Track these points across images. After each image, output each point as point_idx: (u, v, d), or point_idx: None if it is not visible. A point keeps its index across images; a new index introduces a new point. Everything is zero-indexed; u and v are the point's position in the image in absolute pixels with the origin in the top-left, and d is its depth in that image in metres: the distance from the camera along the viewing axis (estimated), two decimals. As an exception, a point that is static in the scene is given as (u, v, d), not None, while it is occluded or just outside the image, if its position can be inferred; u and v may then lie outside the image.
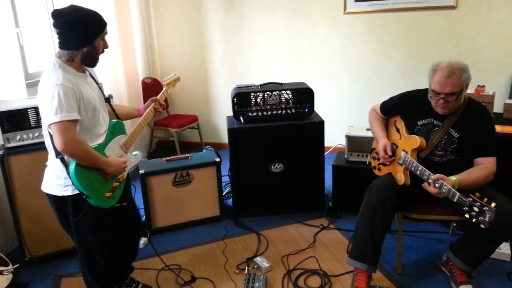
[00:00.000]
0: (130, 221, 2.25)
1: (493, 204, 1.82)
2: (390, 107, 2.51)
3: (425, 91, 2.29)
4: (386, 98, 2.55)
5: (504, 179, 2.35)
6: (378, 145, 2.44)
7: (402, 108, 2.42)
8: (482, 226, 1.83)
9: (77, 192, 1.83)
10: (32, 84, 3.10)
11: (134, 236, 2.37)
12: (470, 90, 2.99)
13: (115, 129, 2.02)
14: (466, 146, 2.19)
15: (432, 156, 2.26)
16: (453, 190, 1.94)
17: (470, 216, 1.87)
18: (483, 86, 2.99)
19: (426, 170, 2.10)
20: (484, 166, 2.14)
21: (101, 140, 1.93)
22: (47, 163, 1.93)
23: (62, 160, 1.79)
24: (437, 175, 2.02)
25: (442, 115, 2.22)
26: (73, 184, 1.79)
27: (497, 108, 3.12)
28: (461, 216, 2.29)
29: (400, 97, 2.46)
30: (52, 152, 1.84)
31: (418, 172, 2.14)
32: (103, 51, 1.89)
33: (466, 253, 2.26)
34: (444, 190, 1.98)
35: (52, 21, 1.78)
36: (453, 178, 2.03)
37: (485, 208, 1.82)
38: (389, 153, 2.35)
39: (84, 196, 1.81)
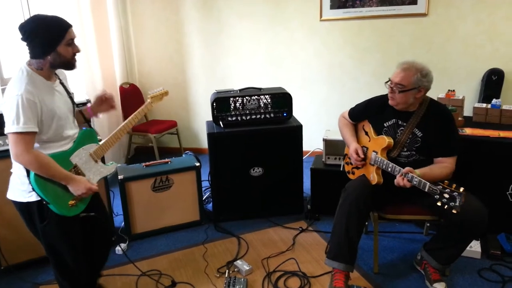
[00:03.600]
0: (100, 229, 2.20)
1: (461, 189, 1.92)
2: (357, 113, 2.62)
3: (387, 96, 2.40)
4: (353, 106, 2.66)
5: (473, 179, 2.46)
6: (349, 149, 2.52)
7: (369, 113, 2.53)
8: (454, 211, 1.93)
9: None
10: (7, 90, 3.04)
11: (105, 244, 2.33)
12: (441, 94, 3.11)
13: (85, 137, 2.01)
14: (429, 145, 2.30)
15: (399, 157, 2.36)
16: (423, 180, 2.04)
17: (442, 203, 1.97)
18: (453, 90, 3.11)
19: (397, 166, 2.21)
20: (444, 166, 2.26)
21: (67, 147, 1.91)
22: (12, 170, 1.91)
23: None
24: (407, 168, 2.14)
25: (406, 116, 2.34)
26: (33, 190, 1.79)
27: (467, 111, 3.25)
28: (433, 216, 2.40)
29: (366, 103, 2.58)
30: None
31: (390, 169, 2.24)
32: (74, 55, 1.85)
33: (439, 252, 2.35)
34: (415, 182, 2.09)
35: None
36: (417, 172, 2.15)
37: (455, 193, 1.93)
38: (361, 156, 2.43)
39: (44, 202, 1.81)
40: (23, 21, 1.78)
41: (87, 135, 2.03)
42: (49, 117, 1.80)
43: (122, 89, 4.54)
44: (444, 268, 2.43)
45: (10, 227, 2.58)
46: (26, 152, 1.71)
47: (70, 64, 1.86)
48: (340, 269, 2.32)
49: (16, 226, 2.58)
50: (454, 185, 1.95)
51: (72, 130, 1.96)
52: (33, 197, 1.84)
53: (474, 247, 2.65)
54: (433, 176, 2.17)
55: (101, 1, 4.18)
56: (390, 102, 2.34)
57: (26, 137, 1.71)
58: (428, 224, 2.93)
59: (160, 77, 4.86)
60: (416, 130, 2.31)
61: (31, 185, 1.78)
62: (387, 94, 2.40)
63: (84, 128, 2.06)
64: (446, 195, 1.95)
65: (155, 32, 4.74)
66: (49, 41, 1.77)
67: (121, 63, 4.56)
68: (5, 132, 1.70)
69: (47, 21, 1.77)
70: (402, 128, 2.35)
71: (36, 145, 1.80)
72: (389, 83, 2.31)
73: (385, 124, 2.41)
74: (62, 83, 1.96)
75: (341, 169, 2.77)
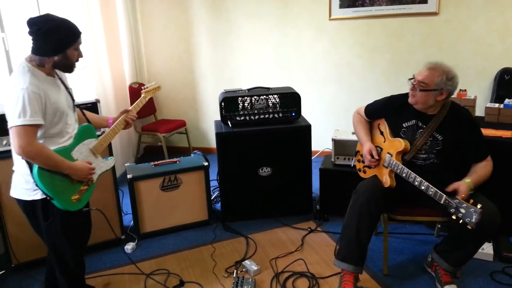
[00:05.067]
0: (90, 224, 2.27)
1: (479, 206, 1.87)
2: (375, 110, 2.56)
3: (408, 95, 2.35)
4: (371, 102, 2.61)
5: (485, 180, 2.42)
6: (363, 149, 2.48)
7: (387, 111, 2.47)
8: (469, 227, 1.89)
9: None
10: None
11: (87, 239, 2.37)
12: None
13: (85, 133, 2.04)
14: (450, 149, 2.25)
15: (416, 159, 2.31)
16: (440, 192, 2.00)
17: (457, 218, 1.92)
18: (465, 90, 3.07)
19: (412, 172, 2.14)
20: (485, 164, 2.25)
21: (68, 143, 1.93)
22: (14, 168, 1.92)
23: (28, 162, 1.80)
24: (454, 186, 2.10)
25: (426, 118, 2.28)
26: (37, 186, 1.80)
27: (479, 111, 3.20)
28: (445, 217, 2.36)
29: (386, 100, 2.51)
30: (18, 156, 1.83)
31: (404, 175, 2.19)
32: (77, 60, 1.91)
33: (450, 254, 2.31)
34: (430, 192, 2.03)
35: (28, 29, 1.80)
36: (467, 180, 2.11)
37: (472, 209, 1.88)
38: (376, 157, 2.39)
39: (48, 198, 1.82)
40: (33, 16, 1.80)
41: (86, 131, 2.05)
42: (53, 111, 1.83)
43: (131, 89, 4.55)
44: (455, 270, 2.39)
45: (20, 225, 2.59)
46: (32, 144, 1.72)
47: (71, 67, 1.92)
48: (349, 271, 2.30)
49: (27, 225, 2.54)
50: (471, 201, 1.91)
51: (73, 124, 1.99)
52: (38, 195, 1.85)
53: (486, 249, 2.61)
54: (483, 179, 2.18)
55: (110, 1, 4.20)
56: (410, 99, 2.29)
57: (32, 129, 1.73)
58: (439, 226, 2.90)
59: (169, 77, 4.88)
60: (436, 133, 2.26)
61: (35, 181, 1.79)
62: (407, 94, 2.35)
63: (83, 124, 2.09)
64: (462, 210, 1.91)
65: (164, 32, 4.75)
66: (62, 42, 1.81)
67: (130, 63, 4.58)
68: (10, 125, 1.72)
69: (64, 23, 1.83)
70: (421, 130, 2.29)
71: (39, 141, 1.82)
72: (412, 80, 2.27)
73: (404, 125, 2.35)
74: (60, 79, 1.99)
75: (352, 165, 2.73)
